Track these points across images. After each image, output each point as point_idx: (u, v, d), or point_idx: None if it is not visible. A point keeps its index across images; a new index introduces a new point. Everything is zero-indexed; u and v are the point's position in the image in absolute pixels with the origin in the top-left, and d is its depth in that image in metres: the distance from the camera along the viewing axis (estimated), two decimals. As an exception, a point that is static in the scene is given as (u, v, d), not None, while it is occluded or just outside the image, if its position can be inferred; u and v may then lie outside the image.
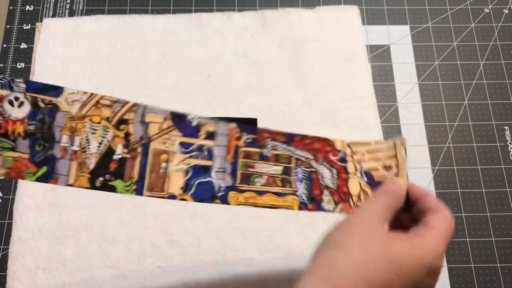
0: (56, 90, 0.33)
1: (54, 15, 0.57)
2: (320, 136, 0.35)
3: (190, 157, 0.34)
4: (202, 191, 0.33)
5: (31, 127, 0.32)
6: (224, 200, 0.33)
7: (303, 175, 0.34)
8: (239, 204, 0.33)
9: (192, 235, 0.46)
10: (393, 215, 0.30)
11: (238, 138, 0.34)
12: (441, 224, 0.29)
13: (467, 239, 0.48)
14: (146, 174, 0.32)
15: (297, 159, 0.35)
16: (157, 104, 0.51)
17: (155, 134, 0.34)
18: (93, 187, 0.32)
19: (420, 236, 0.28)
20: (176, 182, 0.33)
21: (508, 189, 0.50)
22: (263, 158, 0.34)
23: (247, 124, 0.34)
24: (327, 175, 0.34)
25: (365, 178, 0.34)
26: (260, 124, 0.51)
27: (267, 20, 0.56)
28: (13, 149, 0.32)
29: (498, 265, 0.47)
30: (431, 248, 0.28)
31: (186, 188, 0.33)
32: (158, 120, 0.34)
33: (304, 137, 0.35)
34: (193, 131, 0.34)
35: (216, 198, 0.33)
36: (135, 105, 0.33)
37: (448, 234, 0.29)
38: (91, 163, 0.32)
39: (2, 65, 0.54)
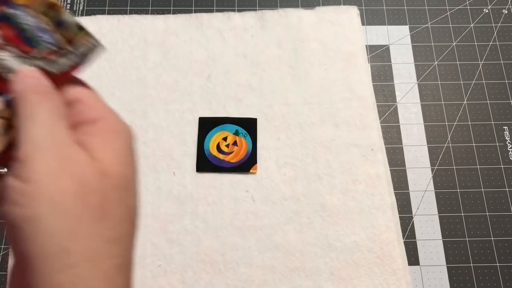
0: None
1: (54, 15, 0.57)
2: None
3: None
4: None
5: None
6: None
7: None
8: None
9: (192, 235, 0.46)
10: (66, 119, 0.21)
11: None
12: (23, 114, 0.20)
13: (466, 239, 0.48)
14: None
15: None
16: (157, 104, 0.52)
17: None
18: None
19: (100, 128, 0.21)
20: None
21: (507, 189, 0.50)
22: None
23: None
24: None
25: None
26: (260, 124, 0.51)
27: (267, 21, 0.56)
28: None
29: (497, 264, 0.47)
30: (117, 128, 0.22)
31: None
32: None
33: None
34: None
35: None
36: None
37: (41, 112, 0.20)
38: None
39: (2, 65, 0.54)
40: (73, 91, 0.22)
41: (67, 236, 0.19)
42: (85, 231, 0.19)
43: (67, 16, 0.23)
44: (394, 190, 0.49)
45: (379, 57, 0.56)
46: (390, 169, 0.50)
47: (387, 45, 0.57)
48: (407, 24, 0.58)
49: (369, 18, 0.58)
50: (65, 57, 0.23)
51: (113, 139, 0.21)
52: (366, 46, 0.56)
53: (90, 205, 0.19)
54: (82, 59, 0.24)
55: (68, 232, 0.19)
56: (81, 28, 0.23)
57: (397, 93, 0.55)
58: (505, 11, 0.59)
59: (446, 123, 0.53)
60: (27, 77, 0.21)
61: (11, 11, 0.22)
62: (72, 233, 0.19)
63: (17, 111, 0.20)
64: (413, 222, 0.49)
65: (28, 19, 0.22)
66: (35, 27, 0.22)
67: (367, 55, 0.56)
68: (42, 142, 0.19)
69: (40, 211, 0.18)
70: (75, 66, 0.24)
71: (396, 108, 0.54)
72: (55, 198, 0.19)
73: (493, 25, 0.58)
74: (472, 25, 0.58)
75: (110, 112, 0.22)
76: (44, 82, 0.21)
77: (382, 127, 0.52)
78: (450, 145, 0.52)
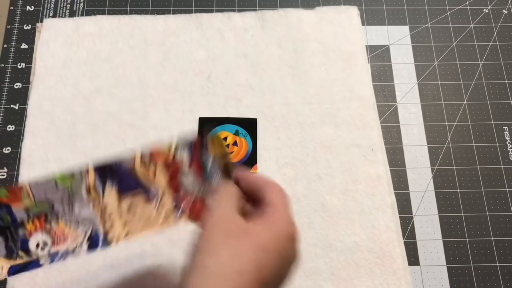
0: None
1: (54, 16, 0.57)
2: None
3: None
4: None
5: None
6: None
7: None
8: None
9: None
10: (239, 205, 0.32)
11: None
12: (276, 196, 0.32)
13: (466, 239, 0.48)
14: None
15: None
16: (158, 104, 0.52)
17: None
18: None
19: (266, 212, 0.31)
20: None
21: (507, 189, 0.50)
22: None
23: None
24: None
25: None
26: (260, 124, 0.51)
27: (267, 21, 0.56)
28: None
29: (497, 264, 0.47)
30: (280, 217, 0.31)
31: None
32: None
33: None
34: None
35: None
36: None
37: (285, 200, 0.32)
38: None
39: (2, 65, 0.54)
40: (268, 195, 0.33)
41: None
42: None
43: (231, 163, 0.35)
44: (394, 190, 0.49)
45: (379, 57, 0.56)
46: (390, 169, 0.50)
47: (387, 45, 0.57)
48: (407, 24, 0.58)
49: (369, 18, 0.58)
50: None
51: (283, 202, 0.33)
52: (366, 46, 0.56)
53: (229, 245, 0.29)
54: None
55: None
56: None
57: (397, 93, 0.55)
58: (505, 11, 0.59)
59: (446, 123, 0.53)
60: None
61: (203, 156, 0.35)
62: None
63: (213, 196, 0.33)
64: (413, 222, 0.49)
65: (209, 161, 0.35)
66: (211, 167, 0.35)
67: (367, 55, 0.56)
68: (216, 221, 0.30)
69: (209, 268, 0.28)
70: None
71: (396, 108, 0.54)
72: (215, 266, 0.28)
73: (493, 25, 0.58)
74: (472, 25, 0.58)
75: (272, 182, 0.34)
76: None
77: (382, 127, 0.52)
78: (450, 145, 0.52)
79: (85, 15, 0.57)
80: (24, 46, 0.56)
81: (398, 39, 0.57)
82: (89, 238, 0.33)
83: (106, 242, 0.33)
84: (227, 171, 0.35)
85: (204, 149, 0.35)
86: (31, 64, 0.54)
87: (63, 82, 0.52)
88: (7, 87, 0.53)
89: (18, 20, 0.57)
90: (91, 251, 0.33)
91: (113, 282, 0.44)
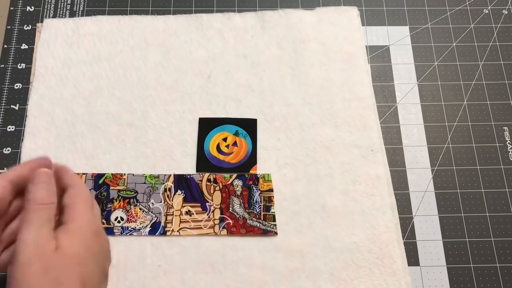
0: None
1: (54, 16, 0.57)
2: None
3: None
4: None
5: None
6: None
7: None
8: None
9: (192, 235, 0.46)
10: (52, 221, 0.33)
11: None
12: (77, 198, 0.34)
13: (466, 239, 0.48)
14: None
15: None
16: (158, 104, 0.52)
17: None
18: None
19: (69, 219, 0.33)
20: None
21: (507, 190, 0.50)
22: None
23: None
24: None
25: None
26: (260, 124, 0.51)
27: (267, 21, 0.56)
28: None
29: (497, 265, 0.47)
30: (82, 219, 0.34)
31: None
32: None
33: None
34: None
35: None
36: None
37: (84, 199, 0.35)
38: None
39: (3, 65, 0.54)
40: (68, 199, 0.35)
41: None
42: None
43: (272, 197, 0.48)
44: (394, 190, 0.49)
45: (379, 57, 0.56)
46: (390, 170, 0.50)
47: (387, 45, 0.57)
48: (407, 25, 0.58)
49: (369, 19, 0.58)
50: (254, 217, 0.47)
51: (83, 203, 0.35)
52: (366, 46, 0.56)
53: (49, 278, 0.30)
54: None
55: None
56: None
57: (397, 93, 0.55)
58: (505, 12, 0.59)
59: (446, 123, 0.53)
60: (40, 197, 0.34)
61: (253, 188, 0.48)
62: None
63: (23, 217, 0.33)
64: (413, 223, 0.49)
65: (256, 194, 0.48)
66: (255, 198, 0.47)
67: (367, 56, 0.56)
68: (29, 242, 0.31)
69: (21, 282, 0.30)
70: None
71: (396, 108, 0.54)
72: (29, 278, 0.30)
73: (493, 25, 0.58)
74: (472, 25, 0.58)
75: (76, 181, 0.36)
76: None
77: (382, 127, 0.52)
78: (450, 145, 0.52)
79: (85, 16, 0.57)
80: (24, 46, 0.56)
81: (398, 39, 0.57)
82: (152, 225, 0.46)
83: (164, 231, 0.46)
84: (265, 204, 0.47)
85: (254, 183, 0.48)
86: (31, 64, 0.54)
87: (63, 82, 0.52)
88: (7, 87, 0.53)
89: (18, 21, 0.57)
90: (150, 234, 0.46)
91: (113, 282, 0.44)
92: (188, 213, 0.46)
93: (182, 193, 0.47)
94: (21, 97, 0.53)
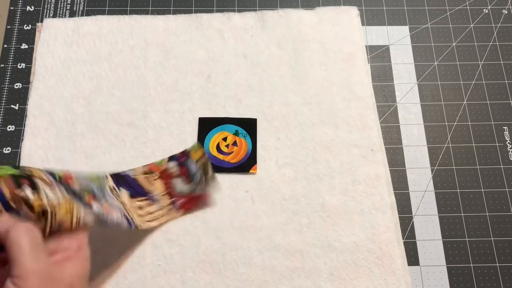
0: None
1: (54, 16, 0.57)
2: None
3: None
4: None
5: None
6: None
7: None
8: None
9: (192, 235, 0.46)
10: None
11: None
12: (15, 247, 0.30)
13: (466, 239, 0.48)
14: None
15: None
16: (158, 104, 0.52)
17: None
18: None
19: (14, 276, 0.29)
20: None
21: (507, 189, 0.50)
22: None
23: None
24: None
25: None
26: (260, 124, 0.51)
27: (267, 21, 0.56)
28: None
29: (497, 264, 0.47)
30: (28, 281, 0.29)
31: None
32: None
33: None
34: None
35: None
36: None
37: (25, 244, 0.30)
38: None
39: (2, 65, 0.54)
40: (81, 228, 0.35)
41: None
42: None
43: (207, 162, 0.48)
44: (394, 190, 0.49)
45: (379, 57, 0.56)
46: (390, 170, 0.50)
47: (387, 45, 0.57)
48: (407, 25, 0.58)
49: (369, 19, 0.58)
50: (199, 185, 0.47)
51: (81, 265, 0.34)
52: (366, 46, 0.56)
53: None
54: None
55: None
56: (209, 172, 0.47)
57: (397, 93, 0.55)
58: (505, 11, 0.59)
59: (446, 123, 0.53)
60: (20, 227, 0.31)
61: (188, 162, 0.47)
62: None
63: (7, 241, 0.30)
64: (413, 222, 0.49)
65: (193, 165, 0.47)
66: (194, 170, 0.47)
67: (367, 56, 0.56)
68: (30, 266, 0.29)
69: None
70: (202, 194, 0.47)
71: (396, 108, 0.54)
72: None
73: (493, 25, 0.58)
74: (472, 25, 0.58)
75: (87, 247, 0.35)
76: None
77: (382, 127, 0.52)
78: (450, 145, 0.52)
79: (85, 15, 0.57)
80: (24, 46, 0.56)
81: (398, 39, 0.57)
82: (127, 218, 0.42)
83: (135, 226, 0.42)
84: (204, 169, 0.47)
85: (187, 157, 0.47)
86: (31, 64, 0.54)
87: (63, 82, 0.52)
88: (7, 87, 0.54)
89: (18, 20, 0.57)
90: (129, 228, 0.41)
91: (113, 283, 0.44)
92: (141, 208, 0.44)
93: (125, 190, 0.44)
94: (21, 96, 0.53)
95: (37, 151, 0.49)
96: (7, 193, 0.32)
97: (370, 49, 0.57)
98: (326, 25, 0.56)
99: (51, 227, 0.34)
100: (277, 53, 0.54)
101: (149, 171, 0.46)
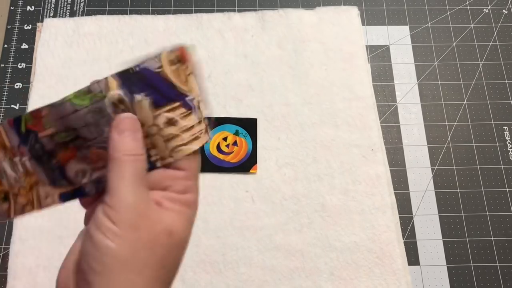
0: None
1: (55, 16, 0.57)
2: None
3: None
4: None
5: None
6: None
7: None
8: None
9: (192, 235, 0.46)
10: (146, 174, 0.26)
11: None
12: (116, 173, 0.25)
13: (467, 239, 0.48)
14: None
15: None
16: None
17: None
18: None
19: (106, 204, 0.25)
20: None
21: (507, 189, 0.50)
22: None
23: None
24: None
25: None
26: (260, 124, 0.51)
27: (267, 21, 0.56)
28: None
29: (497, 264, 0.47)
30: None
31: None
32: None
33: None
34: None
35: None
36: None
37: (129, 173, 0.25)
38: None
39: (3, 65, 0.54)
40: (185, 163, 0.27)
41: (133, 273, 0.24)
42: (149, 274, 0.24)
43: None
44: (394, 190, 0.49)
45: (379, 57, 0.56)
46: (390, 169, 0.50)
47: (387, 45, 0.57)
48: (407, 24, 0.58)
49: (369, 18, 0.58)
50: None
51: (184, 211, 0.27)
52: (366, 46, 0.56)
53: (156, 254, 0.24)
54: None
55: (135, 270, 0.24)
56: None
57: (397, 93, 0.55)
58: (505, 11, 0.59)
59: (446, 123, 0.53)
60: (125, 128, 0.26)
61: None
62: (138, 272, 0.24)
63: (110, 159, 0.25)
64: (413, 222, 0.49)
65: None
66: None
67: (367, 55, 0.56)
68: (127, 198, 0.24)
69: (120, 247, 0.23)
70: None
71: (396, 108, 0.54)
72: (132, 243, 0.24)
73: (493, 25, 0.58)
74: (472, 25, 0.58)
75: (195, 191, 0.27)
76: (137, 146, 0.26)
77: (382, 127, 0.52)
78: (450, 145, 0.52)
79: (86, 15, 0.57)
80: (24, 46, 0.56)
81: (398, 39, 0.57)
82: None
83: (150, 163, 0.27)
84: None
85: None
86: (31, 64, 0.54)
87: (63, 82, 0.52)
88: (7, 87, 0.54)
89: (19, 20, 0.57)
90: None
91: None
92: (171, 122, 0.27)
93: (143, 96, 0.27)
94: (21, 96, 0.53)
95: (37, 151, 0.49)
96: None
97: (370, 49, 0.57)
98: (326, 25, 0.56)
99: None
100: (277, 53, 0.54)
101: (180, 59, 0.27)
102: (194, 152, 0.27)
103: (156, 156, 0.27)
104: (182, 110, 0.27)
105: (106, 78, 0.27)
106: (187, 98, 0.27)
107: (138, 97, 0.26)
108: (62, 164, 0.28)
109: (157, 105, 0.26)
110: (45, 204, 0.28)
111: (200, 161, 0.28)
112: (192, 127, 0.27)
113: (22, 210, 0.28)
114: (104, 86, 0.28)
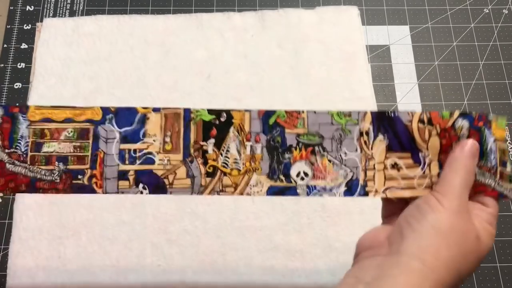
0: None
1: (54, 15, 0.57)
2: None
3: None
4: None
5: None
6: None
7: None
8: None
9: (192, 235, 0.46)
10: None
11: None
12: (454, 167, 0.31)
13: (467, 239, 0.48)
14: None
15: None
16: (158, 104, 0.52)
17: None
18: None
19: (436, 190, 0.30)
20: None
21: (507, 189, 0.50)
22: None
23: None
24: None
25: None
26: (260, 124, 0.51)
27: (267, 20, 0.56)
28: None
29: (498, 264, 0.47)
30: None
31: None
32: None
33: None
34: None
35: None
36: None
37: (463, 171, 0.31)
38: None
39: (2, 65, 0.54)
40: (490, 202, 0.33)
41: (439, 242, 0.28)
42: (446, 255, 0.28)
43: (507, 150, 0.33)
44: (394, 190, 0.49)
45: (379, 57, 0.56)
46: (390, 169, 0.50)
47: (387, 45, 0.57)
48: (407, 24, 0.58)
49: (369, 18, 0.58)
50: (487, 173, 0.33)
51: (491, 220, 0.32)
52: (366, 46, 0.56)
53: (459, 245, 0.29)
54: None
55: (441, 241, 0.28)
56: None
57: (397, 93, 0.55)
58: (505, 11, 0.59)
59: (447, 123, 0.53)
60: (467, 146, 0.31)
61: (484, 133, 0.32)
62: (443, 244, 0.28)
63: (448, 162, 0.31)
64: (413, 223, 0.49)
65: (491, 140, 0.32)
66: (490, 147, 0.32)
67: (368, 55, 0.56)
68: (456, 189, 0.30)
69: (437, 218, 0.29)
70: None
71: (396, 108, 0.54)
72: (447, 220, 0.29)
73: (494, 25, 0.58)
74: (472, 25, 0.58)
75: (494, 229, 0.32)
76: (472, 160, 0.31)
77: (382, 127, 0.52)
78: (451, 145, 0.52)
79: (85, 15, 0.57)
80: (24, 46, 0.56)
81: (398, 39, 0.57)
82: (348, 183, 0.33)
83: (364, 192, 0.34)
84: (501, 157, 0.33)
85: (486, 124, 0.33)
86: (31, 64, 0.54)
87: (63, 82, 0.52)
88: (7, 87, 0.53)
89: (18, 20, 0.57)
90: (346, 196, 0.33)
91: (113, 282, 0.44)
92: (395, 166, 0.33)
93: (384, 138, 0.33)
94: (21, 96, 0.53)
95: (37, 151, 0.49)
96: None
97: (371, 48, 0.57)
98: (327, 25, 0.56)
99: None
100: (278, 53, 0.54)
101: (428, 120, 0.33)
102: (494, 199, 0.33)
103: (374, 187, 0.33)
104: (410, 161, 0.33)
105: (365, 112, 0.34)
106: (420, 154, 0.33)
107: (381, 137, 0.33)
108: (292, 162, 0.33)
109: (390, 148, 0.33)
110: (249, 191, 0.33)
111: (498, 211, 0.33)
112: (412, 177, 0.33)
113: (221, 190, 0.33)
114: (362, 117, 0.34)
